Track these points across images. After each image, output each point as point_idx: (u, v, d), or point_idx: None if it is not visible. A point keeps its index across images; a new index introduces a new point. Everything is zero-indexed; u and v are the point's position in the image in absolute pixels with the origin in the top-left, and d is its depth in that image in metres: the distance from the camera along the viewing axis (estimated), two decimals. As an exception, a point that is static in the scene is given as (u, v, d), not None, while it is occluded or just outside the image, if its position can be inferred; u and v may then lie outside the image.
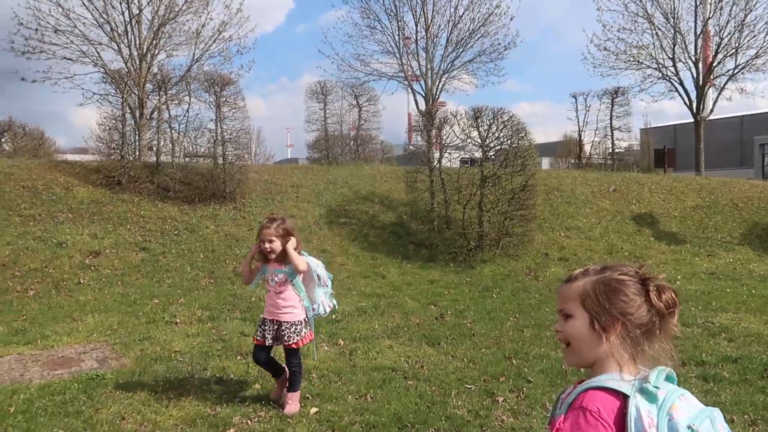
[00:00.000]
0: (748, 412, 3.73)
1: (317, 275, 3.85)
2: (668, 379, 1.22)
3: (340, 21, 27.31)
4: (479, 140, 10.34)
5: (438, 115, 11.24)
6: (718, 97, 19.38)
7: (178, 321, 6.08)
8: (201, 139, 11.27)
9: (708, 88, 19.28)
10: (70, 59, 13.83)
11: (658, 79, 19.50)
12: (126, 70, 13.59)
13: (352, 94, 16.28)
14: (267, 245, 3.69)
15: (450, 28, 19.88)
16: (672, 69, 19.21)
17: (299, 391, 3.86)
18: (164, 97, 11.82)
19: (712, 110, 20.02)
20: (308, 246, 9.45)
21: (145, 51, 14.13)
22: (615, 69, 19.55)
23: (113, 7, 13.88)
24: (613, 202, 12.82)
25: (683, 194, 13.56)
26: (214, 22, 15.33)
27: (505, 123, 10.19)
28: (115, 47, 13.98)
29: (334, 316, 6.18)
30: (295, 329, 3.75)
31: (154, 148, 11.86)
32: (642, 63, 19.26)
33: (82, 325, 5.89)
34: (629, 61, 19.29)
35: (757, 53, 18.21)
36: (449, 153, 11.36)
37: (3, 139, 17.27)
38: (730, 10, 18.17)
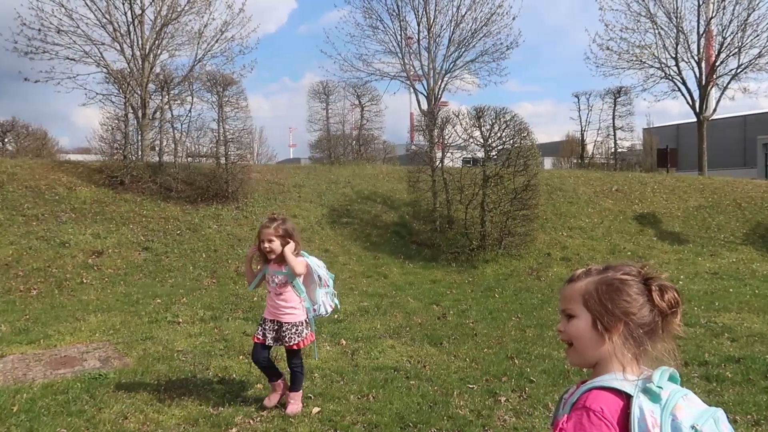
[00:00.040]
0: (751, 413, 3.72)
1: (318, 276, 3.82)
2: (671, 379, 1.22)
3: (343, 21, 27.47)
4: (481, 140, 10.33)
5: (440, 115, 11.23)
6: (721, 96, 19.34)
7: (181, 321, 6.08)
8: (203, 139, 11.32)
9: (711, 88, 19.22)
10: (73, 59, 13.86)
11: (661, 78, 19.48)
12: (129, 70, 13.61)
13: (354, 93, 16.30)
14: (266, 245, 3.67)
15: (452, 28, 19.90)
16: (675, 68, 19.18)
17: (301, 391, 3.86)
18: (167, 97, 11.84)
19: (715, 110, 19.97)
20: (310, 246, 9.46)
21: (147, 51, 14.15)
22: (618, 68, 19.53)
23: (116, 8, 13.91)
24: (616, 202, 12.80)
25: (686, 194, 13.53)
26: (216, 22, 15.35)
27: (508, 123, 10.18)
28: (118, 47, 14.01)
29: (336, 316, 6.19)
30: (297, 330, 3.73)
31: (157, 148, 11.88)
32: (644, 62, 19.23)
33: (84, 325, 5.90)
34: (632, 60, 19.26)
35: (760, 52, 18.17)
36: (451, 153, 11.36)
37: (6, 139, 17.32)
38: (733, 10, 18.13)
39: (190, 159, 11.41)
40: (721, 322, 6.12)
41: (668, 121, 43.48)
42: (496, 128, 10.21)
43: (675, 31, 18.78)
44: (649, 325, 1.24)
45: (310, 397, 3.99)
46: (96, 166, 11.45)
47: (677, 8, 18.68)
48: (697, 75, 19.18)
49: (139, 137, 12.26)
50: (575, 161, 19.24)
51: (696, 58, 19.04)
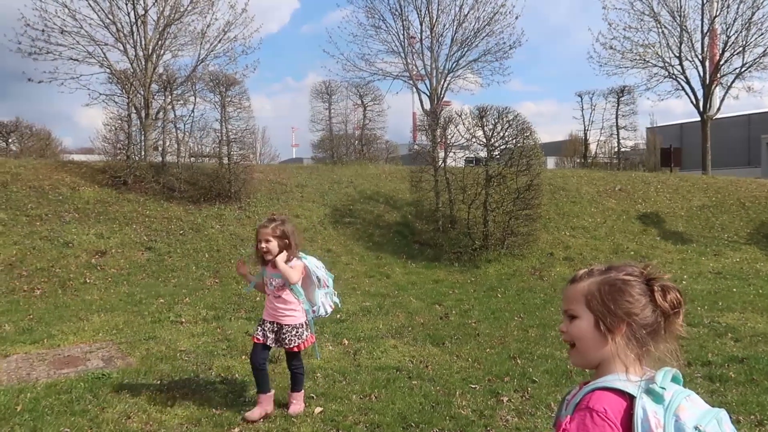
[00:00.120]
0: (754, 413, 3.71)
1: (317, 277, 3.76)
2: (674, 380, 1.22)
3: (345, 21, 27.26)
4: (484, 139, 10.32)
5: (443, 115, 11.23)
6: (725, 95, 19.24)
7: (184, 320, 6.09)
8: (206, 139, 11.33)
9: (715, 87, 19.14)
10: (77, 60, 13.88)
11: (665, 77, 19.40)
12: (132, 70, 13.62)
13: (356, 93, 16.32)
14: (263, 245, 3.62)
15: (455, 28, 19.86)
16: (678, 67, 19.11)
17: (303, 391, 3.86)
18: (170, 97, 11.86)
19: (719, 109, 19.88)
20: (313, 245, 9.46)
21: (150, 51, 14.16)
22: (621, 68, 19.45)
23: (119, 8, 13.92)
24: (619, 202, 12.77)
25: (690, 193, 13.49)
26: (219, 22, 15.34)
27: (510, 122, 10.16)
28: (121, 48, 14.02)
29: (338, 316, 6.19)
30: (297, 332, 3.70)
31: (160, 149, 11.90)
32: (648, 61, 19.15)
33: (88, 325, 5.92)
34: (635, 59, 19.19)
35: (764, 51, 18.07)
36: (454, 152, 11.35)
37: (10, 140, 17.39)
38: (737, 8, 18.06)
39: (193, 159, 11.44)
40: (724, 322, 6.10)
41: (672, 120, 43.42)
42: (499, 128, 10.20)
43: (679, 29, 18.72)
44: (651, 325, 1.24)
45: (313, 397, 3.99)
46: (99, 166, 11.49)
47: (681, 7, 18.63)
48: (701, 74, 19.11)
49: (142, 137, 12.29)
50: (578, 161, 19.21)
51: (700, 56, 18.97)
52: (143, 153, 12.08)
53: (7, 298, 7.02)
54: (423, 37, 20.13)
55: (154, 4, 14.18)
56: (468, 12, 19.63)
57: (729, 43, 18.34)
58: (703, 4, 18.66)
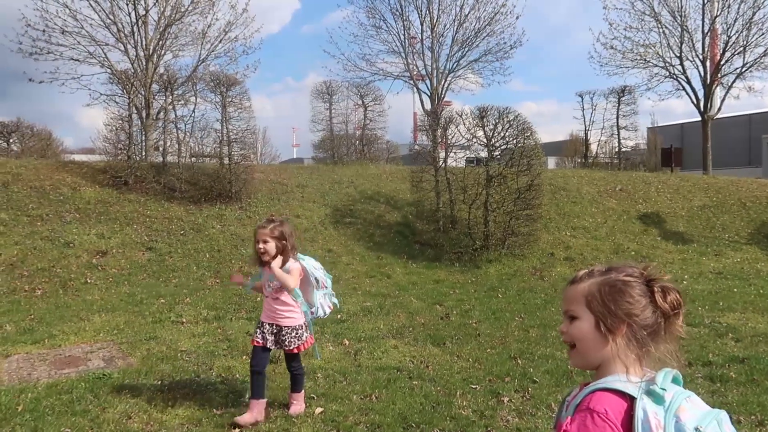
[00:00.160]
0: (755, 413, 3.70)
1: (315, 278, 3.74)
2: (674, 380, 1.22)
3: (346, 21, 27.20)
4: (485, 140, 10.32)
5: (443, 115, 11.24)
6: (725, 95, 19.24)
7: (184, 321, 6.10)
8: (207, 140, 11.34)
9: (715, 87, 19.13)
10: (77, 60, 13.89)
11: (665, 77, 19.39)
12: (132, 70, 13.63)
13: (357, 93, 16.33)
14: (260, 245, 3.59)
15: (455, 28, 19.86)
16: (679, 67, 19.10)
17: (303, 392, 3.86)
18: (170, 97, 11.87)
19: (719, 109, 19.86)
20: (313, 246, 9.47)
21: (151, 51, 14.17)
22: (621, 68, 19.45)
23: (120, 8, 13.94)
24: (620, 202, 12.77)
25: (690, 193, 13.49)
26: (220, 22, 15.35)
27: (511, 122, 10.16)
28: (122, 48, 14.03)
29: (339, 316, 6.19)
30: (296, 334, 3.68)
31: (161, 149, 11.91)
32: (649, 61, 19.15)
33: (89, 325, 5.92)
34: (636, 59, 19.18)
35: (765, 51, 18.07)
36: (455, 152, 11.35)
37: (11, 140, 17.40)
38: (738, 8, 18.04)
39: (193, 159, 11.45)
40: (725, 322, 6.10)
41: (672, 120, 43.40)
42: (500, 128, 10.20)
43: (679, 29, 18.71)
44: (651, 326, 1.24)
45: (313, 398, 3.99)
46: (100, 166, 11.50)
47: (681, 7, 18.62)
48: (702, 74, 19.10)
49: (143, 137, 12.30)
50: (579, 161, 19.20)
51: (701, 56, 18.96)
52: (144, 153, 12.08)
53: (8, 298, 7.03)
54: (423, 37, 20.17)
55: (154, 4, 14.19)
56: (469, 12, 19.67)
57: (730, 43, 18.33)
58: (703, 4, 18.66)
